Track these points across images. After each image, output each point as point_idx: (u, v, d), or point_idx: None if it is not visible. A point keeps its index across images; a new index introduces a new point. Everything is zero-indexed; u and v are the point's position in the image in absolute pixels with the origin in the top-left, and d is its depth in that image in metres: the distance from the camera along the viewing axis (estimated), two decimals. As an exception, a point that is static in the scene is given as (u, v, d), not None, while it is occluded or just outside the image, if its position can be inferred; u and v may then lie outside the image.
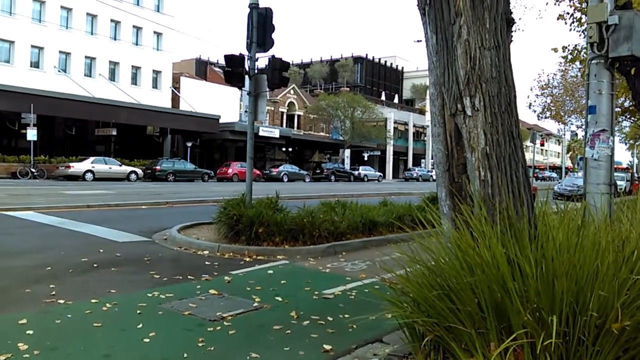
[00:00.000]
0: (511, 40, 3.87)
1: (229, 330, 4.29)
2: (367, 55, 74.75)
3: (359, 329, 4.20)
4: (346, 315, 4.69)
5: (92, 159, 30.79)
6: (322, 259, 7.77)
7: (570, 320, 2.68)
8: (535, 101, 40.55)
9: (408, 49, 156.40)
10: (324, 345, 3.95)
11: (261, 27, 9.81)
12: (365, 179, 48.89)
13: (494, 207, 3.36)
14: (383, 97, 69.37)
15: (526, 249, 2.95)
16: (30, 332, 4.04)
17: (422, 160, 66.10)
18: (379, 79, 75.79)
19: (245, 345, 3.98)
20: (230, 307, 4.94)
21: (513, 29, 3.96)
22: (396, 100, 73.25)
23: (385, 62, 77.24)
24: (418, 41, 39.89)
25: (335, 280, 6.33)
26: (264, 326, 4.45)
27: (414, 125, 65.66)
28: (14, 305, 4.85)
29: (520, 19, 11.20)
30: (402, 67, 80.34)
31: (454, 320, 2.84)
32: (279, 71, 10.08)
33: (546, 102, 39.01)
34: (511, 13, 3.89)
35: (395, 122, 61.77)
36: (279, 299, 5.32)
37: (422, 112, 69.98)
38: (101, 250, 7.70)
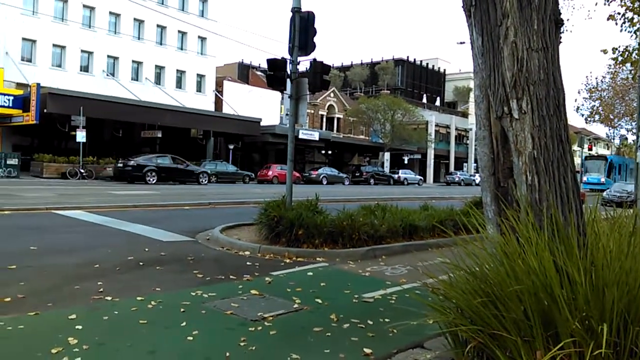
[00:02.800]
0: (560, 42, 3.77)
1: (269, 331, 4.33)
2: (408, 57, 74.16)
3: (399, 334, 4.18)
4: (386, 320, 4.66)
5: (138, 160, 31.57)
6: (361, 262, 7.75)
7: (622, 330, 2.59)
8: (583, 104, 39.39)
9: (450, 51, 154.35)
10: (364, 349, 3.94)
11: (303, 31, 9.89)
12: (405, 183, 48.45)
13: (541, 212, 3.28)
14: (424, 100, 68.66)
15: (575, 256, 2.87)
16: (80, 327, 4.18)
17: (464, 164, 65.00)
18: (421, 81, 75.05)
19: (286, 346, 4.01)
20: (271, 307, 4.99)
21: (561, 30, 3.86)
22: (438, 102, 72.34)
23: (427, 64, 76.43)
24: (461, 43, 39.33)
25: (375, 284, 6.31)
26: (304, 328, 4.47)
27: (456, 128, 64.66)
28: (64, 301, 5.04)
29: (568, 19, 10.89)
30: (444, 70, 79.33)
31: (498, 328, 2.79)
32: (320, 74, 10.14)
33: (594, 105, 37.84)
34: (560, 14, 3.79)
35: (436, 125, 60.99)
36: (319, 301, 5.33)
37: (464, 114, 68.86)
38: (147, 249, 7.91)
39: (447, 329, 3.18)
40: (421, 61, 75.77)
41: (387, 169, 51.73)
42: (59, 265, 6.59)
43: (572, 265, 2.80)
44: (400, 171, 50.32)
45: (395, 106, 51.39)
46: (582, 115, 39.78)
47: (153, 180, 27.52)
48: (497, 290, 2.87)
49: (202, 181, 30.14)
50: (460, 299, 3.00)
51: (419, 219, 9.68)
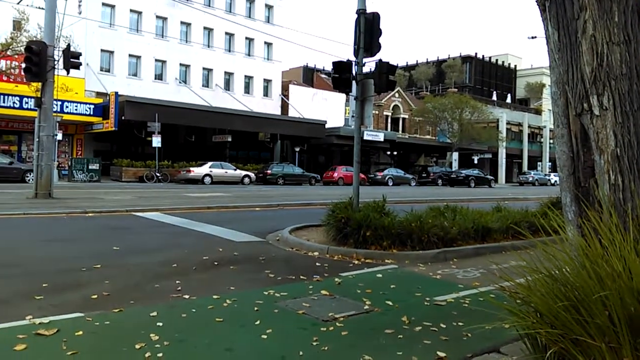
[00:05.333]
0: (644, 33, 3.57)
1: (341, 331, 4.36)
2: (476, 54, 72.29)
3: (474, 338, 4.09)
4: (460, 323, 4.58)
5: (210, 163, 32.76)
6: (431, 264, 7.63)
7: None
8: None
9: (521, 46, 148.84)
10: (438, 353, 3.88)
11: (368, 32, 9.87)
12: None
13: (625, 213, 3.12)
14: (494, 97, 66.60)
15: (664, 258, 2.71)
16: (160, 324, 4.37)
17: (539, 163, 62.40)
18: (490, 78, 72.89)
19: (358, 347, 4.02)
20: (342, 308, 5.02)
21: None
22: (509, 100, 69.96)
23: (497, 60, 74.17)
24: (532, 37, 37.86)
25: (446, 287, 6.20)
26: (375, 329, 4.47)
27: (529, 126, 62.22)
28: (145, 298, 5.29)
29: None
30: (515, 65, 76.61)
31: (581, 333, 2.68)
32: (386, 75, 10.08)
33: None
34: (643, 3, 3.59)
35: (508, 123, 58.97)
36: (389, 303, 5.31)
37: (537, 112, 66.20)
38: (220, 249, 8.17)
39: (525, 333, 3.09)
40: (490, 57, 73.63)
41: (455, 169, 50.58)
42: (139, 265, 6.94)
43: (661, 268, 2.64)
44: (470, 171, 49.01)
45: (463, 104, 50.22)
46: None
47: (472, 184, 42.32)
48: (580, 294, 2.76)
49: (471, 185, 42.80)
50: (539, 303, 2.90)
51: (492, 220, 9.40)
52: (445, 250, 8.21)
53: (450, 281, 6.58)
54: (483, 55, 73.10)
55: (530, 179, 52.03)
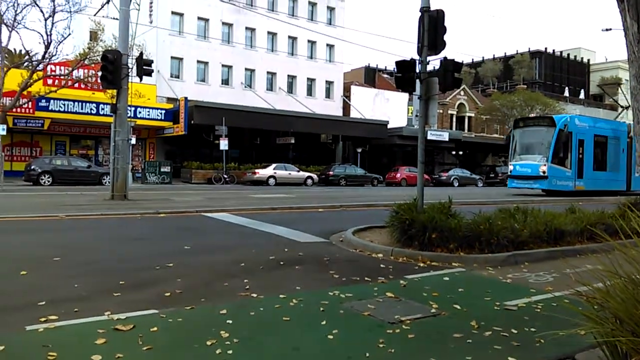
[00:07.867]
0: None
1: (407, 334, 4.31)
2: (546, 48, 69.38)
3: (547, 344, 3.93)
4: (532, 329, 4.41)
5: (274, 165, 33.39)
6: (501, 268, 7.39)
7: None
8: None
9: (594, 39, 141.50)
10: (509, 358, 3.76)
11: (432, 29, 9.68)
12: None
13: None
14: (566, 93, 63.64)
15: None
16: (230, 321, 4.49)
17: (614, 162, 58.96)
18: (561, 73, 69.74)
19: (425, 350, 3.97)
20: (408, 311, 4.96)
21: None
22: (582, 95, 66.63)
23: (568, 55, 70.87)
24: (607, 30, 35.83)
25: (517, 291, 5.99)
26: (443, 333, 4.39)
27: (604, 123, 59.02)
28: (216, 296, 5.45)
29: None
30: (588, 60, 72.91)
31: (668, 343, 2.52)
32: (451, 72, 9.84)
33: None
34: None
35: (580, 120, 56.19)
36: (457, 306, 5.20)
37: (613, 108, 62.63)
38: (286, 249, 8.29)
39: (603, 341, 2.94)
40: (561, 52, 70.46)
41: (524, 169, 48.67)
42: (209, 263, 7.17)
43: None
44: (541, 171, 47.00)
45: (533, 101, 48.44)
46: None
47: None
48: (665, 301, 2.59)
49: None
50: (619, 309, 2.75)
51: (565, 222, 8.98)
52: (516, 254, 7.93)
53: (522, 285, 6.35)
54: (553, 50, 70.05)
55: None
